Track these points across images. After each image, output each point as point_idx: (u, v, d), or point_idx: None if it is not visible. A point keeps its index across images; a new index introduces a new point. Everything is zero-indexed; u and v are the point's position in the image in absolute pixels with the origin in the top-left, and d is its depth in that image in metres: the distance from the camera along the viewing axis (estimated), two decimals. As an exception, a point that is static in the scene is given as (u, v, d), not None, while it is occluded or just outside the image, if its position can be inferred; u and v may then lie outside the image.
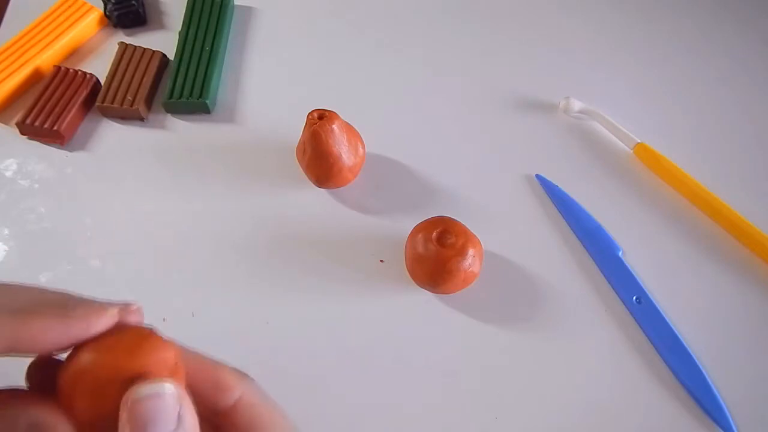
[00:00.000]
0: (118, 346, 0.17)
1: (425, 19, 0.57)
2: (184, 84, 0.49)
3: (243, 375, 0.20)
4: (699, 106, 0.52)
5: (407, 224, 0.42)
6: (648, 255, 0.44)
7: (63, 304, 0.18)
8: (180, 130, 0.49)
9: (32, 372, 0.18)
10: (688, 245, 0.45)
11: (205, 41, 0.52)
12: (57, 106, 0.47)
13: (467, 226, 0.39)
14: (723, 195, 0.45)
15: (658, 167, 0.47)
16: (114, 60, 0.50)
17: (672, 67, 0.54)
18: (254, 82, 0.52)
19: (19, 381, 0.18)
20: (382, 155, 0.48)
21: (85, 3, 0.53)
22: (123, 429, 0.16)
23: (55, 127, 0.46)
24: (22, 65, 0.49)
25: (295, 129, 0.44)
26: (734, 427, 0.37)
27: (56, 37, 0.51)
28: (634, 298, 0.42)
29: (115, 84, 0.49)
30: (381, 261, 0.43)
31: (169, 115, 0.50)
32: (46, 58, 0.50)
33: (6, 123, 0.48)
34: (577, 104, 0.50)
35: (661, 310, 0.41)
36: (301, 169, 0.45)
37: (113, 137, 0.48)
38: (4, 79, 0.48)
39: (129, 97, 0.48)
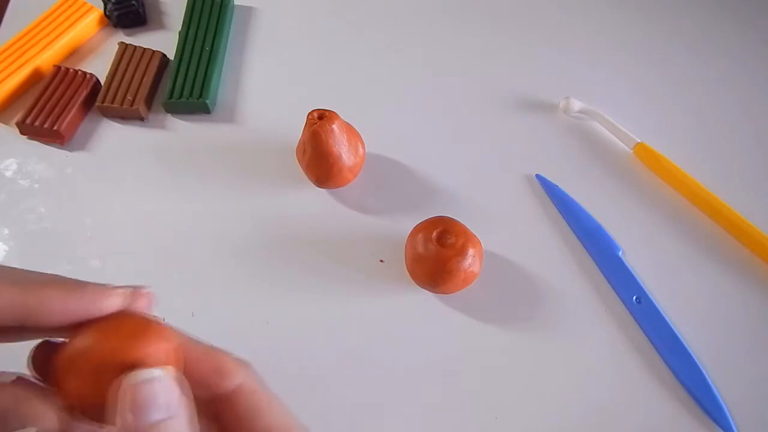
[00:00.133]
0: (118, 332, 0.18)
1: (425, 19, 0.57)
2: (184, 84, 0.49)
3: (243, 362, 0.20)
4: (699, 106, 0.52)
5: (407, 224, 0.42)
6: (648, 255, 0.44)
7: (72, 281, 0.18)
8: (180, 130, 0.49)
9: (35, 356, 0.19)
10: (688, 245, 0.45)
11: (205, 41, 0.52)
12: (57, 106, 0.47)
13: (467, 226, 0.39)
14: (723, 195, 0.45)
15: (658, 167, 0.47)
16: (114, 60, 0.50)
17: (672, 67, 0.54)
18: (254, 82, 0.52)
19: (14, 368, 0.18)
20: (382, 155, 0.48)
21: (85, 3, 0.53)
22: (113, 414, 0.16)
23: (55, 127, 0.46)
24: (22, 65, 0.49)
25: (295, 129, 0.44)
26: (734, 427, 0.37)
27: (56, 37, 0.51)
28: (634, 298, 0.42)
29: (115, 84, 0.49)
30: (381, 261, 0.43)
31: (169, 115, 0.50)
32: (46, 58, 0.50)
33: (6, 123, 0.48)
34: (577, 104, 0.50)
35: (661, 310, 0.41)
36: (301, 169, 0.45)
37: (113, 137, 0.48)
38: (4, 79, 0.48)
39: (129, 97, 0.48)
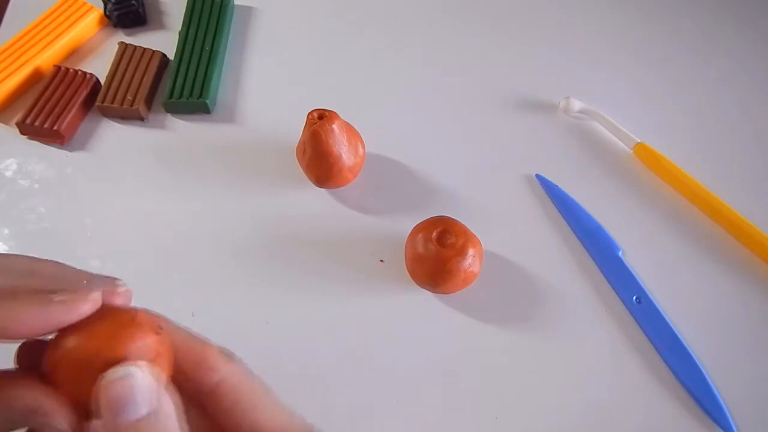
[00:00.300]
0: (98, 331, 0.17)
1: (425, 19, 0.57)
2: (184, 84, 0.49)
3: (229, 354, 0.19)
4: (699, 106, 0.52)
5: (407, 224, 0.42)
6: (648, 255, 0.44)
7: (46, 285, 0.18)
8: (180, 130, 0.49)
9: (22, 353, 0.18)
10: (688, 245, 0.45)
11: (205, 41, 0.52)
12: (57, 106, 0.47)
13: (467, 226, 0.39)
14: (723, 195, 0.45)
15: (658, 167, 0.47)
16: (114, 60, 0.50)
17: (672, 67, 0.54)
18: (254, 82, 0.52)
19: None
20: (382, 155, 0.48)
21: (85, 3, 0.53)
22: (97, 413, 0.16)
23: (55, 127, 0.46)
24: (22, 65, 0.49)
25: (295, 129, 0.44)
26: (734, 427, 0.37)
27: (56, 37, 0.51)
28: (634, 298, 0.42)
29: (115, 84, 0.49)
30: (381, 261, 0.43)
31: (169, 115, 0.50)
32: (46, 58, 0.50)
33: (6, 123, 0.48)
34: (577, 104, 0.50)
35: (661, 310, 0.41)
36: (301, 169, 0.45)
37: (113, 137, 0.48)
38: (4, 79, 0.48)
39: (129, 97, 0.48)
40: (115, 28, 0.55)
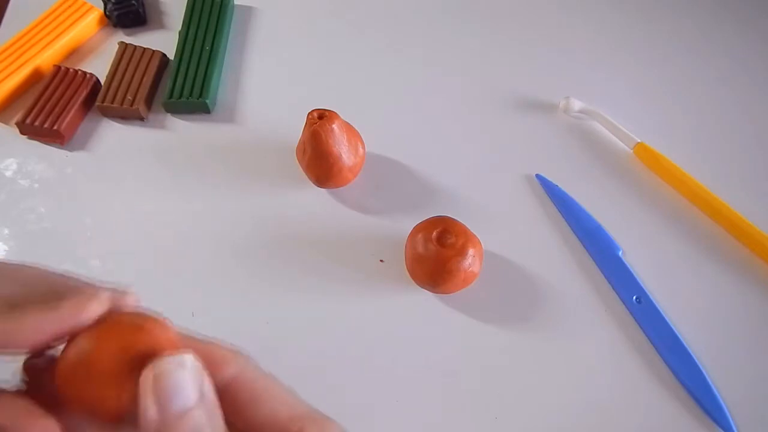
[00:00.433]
0: (120, 329, 0.17)
1: (425, 19, 0.57)
2: (184, 84, 0.49)
3: (237, 352, 0.20)
4: (699, 106, 0.52)
5: (407, 224, 0.42)
6: (648, 255, 0.44)
7: (51, 293, 0.18)
8: (180, 130, 0.49)
9: (28, 366, 0.18)
10: (688, 245, 0.45)
11: (205, 41, 0.52)
12: (57, 106, 0.47)
13: (467, 226, 0.39)
14: (723, 195, 0.45)
15: (658, 167, 0.47)
16: (114, 60, 0.50)
17: (672, 67, 0.54)
18: (254, 82, 0.52)
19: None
20: (382, 155, 0.48)
21: (85, 3, 0.53)
22: (147, 406, 0.16)
23: (55, 127, 0.46)
24: (22, 65, 0.49)
25: (295, 129, 0.44)
26: (734, 427, 0.37)
27: (56, 37, 0.51)
28: (634, 298, 0.42)
29: (115, 84, 0.49)
30: (381, 261, 0.43)
31: (169, 115, 0.50)
32: (46, 58, 0.50)
33: (6, 123, 0.48)
34: (577, 104, 0.50)
35: (661, 310, 0.41)
36: (301, 169, 0.45)
37: (113, 137, 0.48)
38: (4, 79, 0.48)
39: (129, 97, 0.48)
40: (115, 28, 0.55)
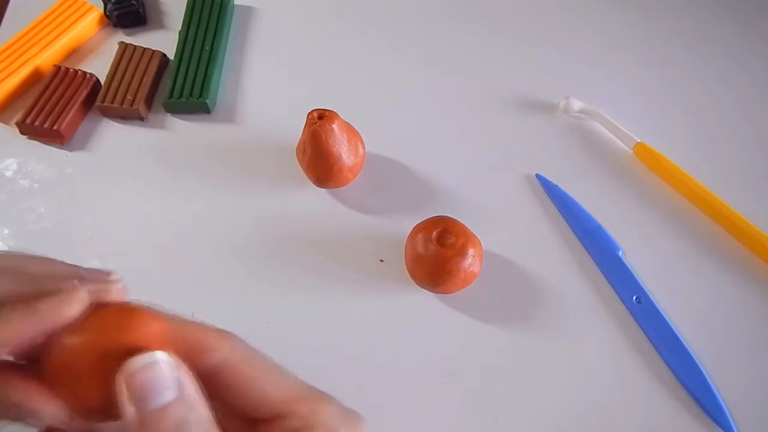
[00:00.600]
0: (101, 326, 0.17)
1: (425, 19, 0.57)
2: (184, 84, 0.49)
3: (226, 333, 0.19)
4: (699, 106, 0.52)
5: (407, 224, 0.42)
6: (648, 255, 0.44)
7: (30, 291, 0.17)
8: (180, 130, 0.49)
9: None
10: (688, 245, 0.45)
11: (205, 41, 0.52)
12: (57, 106, 0.47)
13: (467, 226, 0.39)
14: (723, 195, 0.45)
15: (658, 167, 0.47)
16: (114, 60, 0.50)
17: (672, 67, 0.54)
18: (254, 82, 0.52)
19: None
20: (382, 155, 0.48)
21: (85, 3, 0.53)
22: (124, 405, 0.16)
23: (55, 127, 0.46)
24: (22, 65, 0.49)
25: (295, 129, 0.44)
26: (734, 427, 0.37)
27: (56, 37, 0.51)
28: (634, 298, 0.42)
29: (115, 84, 0.49)
30: (381, 261, 0.43)
31: (169, 115, 0.50)
32: (46, 58, 0.50)
33: (6, 123, 0.48)
34: (577, 104, 0.50)
35: (661, 310, 0.41)
36: (301, 169, 0.45)
37: (113, 137, 0.48)
38: (4, 78, 0.48)
39: (129, 97, 0.48)
40: (115, 28, 0.55)
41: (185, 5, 0.54)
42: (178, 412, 0.16)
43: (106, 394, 0.16)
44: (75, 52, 0.53)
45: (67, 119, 0.46)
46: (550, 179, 0.47)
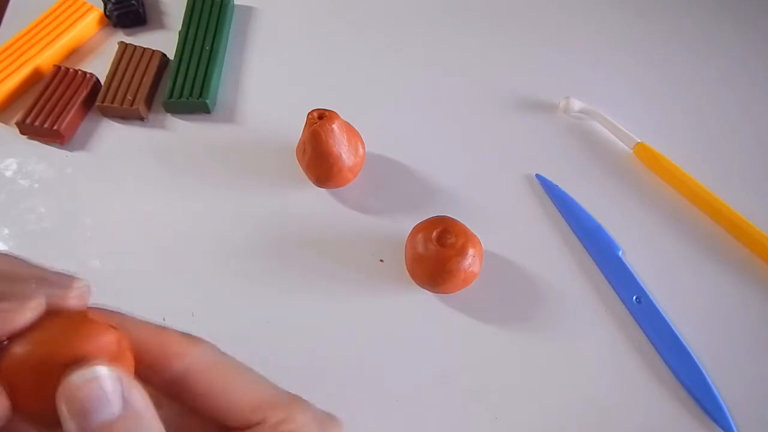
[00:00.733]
0: (49, 336, 0.16)
1: (425, 19, 0.57)
2: (184, 84, 0.49)
3: (195, 339, 0.19)
4: (699, 106, 0.52)
5: (407, 224, 0.42)
6: (648, 255, 0.44)
7: None
8: (180, 130, 0.49)
9: None
10: (688, 245, 0.45)
11: (205, 41, 0.52)
12: (57, 106, 0.47)
13: (467, 226, 0.39)
14: (723, 195, 0.45)
15: (658, 167, 0.47)
16: (114, 60, 0.50)
17: (672, 67, 0.54)
18: (254, 82, 0.52)
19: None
20: (382, 155, 0.48)
21: (85, 3, 0.53)
22: (65, 421, 0.15)
23: (55, 127, 0.46)
24: (22, 65, 0.49)
25: (295, 129, 0.44)
26: (734, 427, 0.37)
27: (56, 37, 0.51)
28: (634, 298, 0.42)
29: (115, 84, 0.49)
30: (381, 261, 0.43)
31: (169, 115, 0.50)
32: (46, 58, 0.50)
33: (6, 123, 0.48)
34: (577, 104, 0.50)
35: (661, 310, 0.41)
36: (301, 169, 0.45)
37: (113, 137, 0.48)
38: (4, 78, 0.48)
39: (129, 97, 0.48)
40: (115, 28, 0.55)
41: (185, 5, 0.54)
42: (123, 428, 0.15)
43: (50, 406, 0.16)
44: (75, 52, 0.53)
45: (67, 119, 0.46)
46: (550, 179, 0.47)
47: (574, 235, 0.45)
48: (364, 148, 0.44)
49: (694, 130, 0.50)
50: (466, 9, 0.57)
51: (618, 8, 0.58)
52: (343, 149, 0.42)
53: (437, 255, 0.37)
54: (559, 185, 0.47)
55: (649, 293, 0.42)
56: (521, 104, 0.51)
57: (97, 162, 0.47)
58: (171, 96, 0.48)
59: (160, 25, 0.55)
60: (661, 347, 0.40)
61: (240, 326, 0.40)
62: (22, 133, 0.47)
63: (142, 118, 0.49)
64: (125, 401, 0.16)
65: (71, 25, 0.52)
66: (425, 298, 0.42)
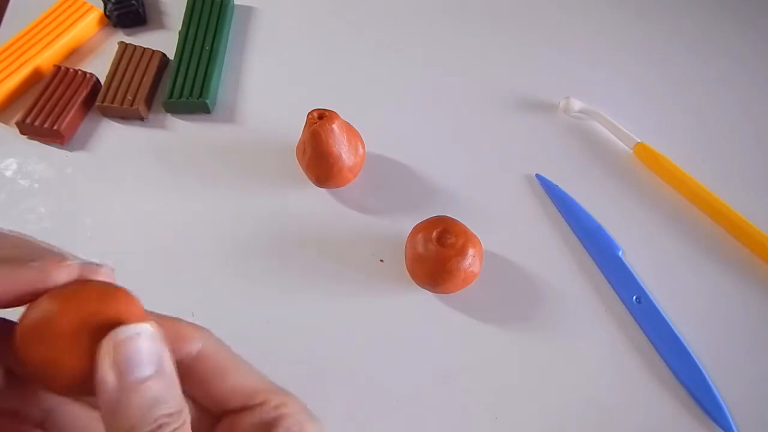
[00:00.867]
0: (85, 296, 0.17)
1: (425, 19, 0.57)
2: (184, 84, 0.49)
3: (200, 326, 0.20)
4: (699, 106, 0.52)
5: (407, 224, 0.42)
6: (648, 255, 0.44)
7: (19, 255, 0.17)
8: (180, 130, 0.49)
9: None
10: (688, 245, 0.45)
11: (205, 41, 0.52)
12: (57, 106, 0.47)
13: (467, 226, 0.39)
14: (723, 195, 0.45)
15: (658, 167, 0.47)
16: (114, 60, 0.50)
17: (672, 67, 0.54)
18: (254, 82, 0.52)
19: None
20: (382, 155, 0.48)
21: (85, 3, 0.53)
22: (105, 374, 0.16)
23: (55, 127, 0.46)
24: (22, 65, 0.49)
25: (295, 129, 0.44)
26: (734, 427, 0.37)
27: (56, 37, 0.51)
28: (634, 298, 0.42)
29: (115, 84, 0.49)
30: (381, 261, 0.43)
31: (169, 115, 0.50)
32: (46, 58, 0.50)
33: (6, 123, 0.48)
34: (577, 104, 0.50)
35: (661, 310, 0.41)
36: (301, 169, 0.45)
37: (113, 137, 0.48)
38: (4, 78, 0.48)
39: (129, 97, 0.48)
40: (115, 28, 0.55)
41: (185, 5, 0.54)
42: (156, 388, 0.16)
43: (81, 362, 0.16)
44: (75, 52, 0.53)
45: (67, 119, 0.46)
46: (550, 179, 0.47)
47: (574, 235, 0.45)
48: (364, 148, 0.44)
49: (694, 130, 0.50)
50: (466, 9, 0.57)
51: (618, 8, 0.58)
52: (343, 149, 0.42)
53: (437, 255, 0.37)
54: (559, 185, 0.47)
55: (649, 293, 0.42)
56: (521, 104, 0.51)
57: (97, 162, 0.47)
58: (171, 96, 0.48)
59: (160, 25, 0.55)
60: (661, 347, 0.40)
61: (240, 326, 0.40)
62: (22, 133, 0.47)
63: (142, 118, 0.49)
64: (159, 363, 0.16)
65: (71, 25, 0.52)
66: (425, 298, 0.42)
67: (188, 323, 0.19)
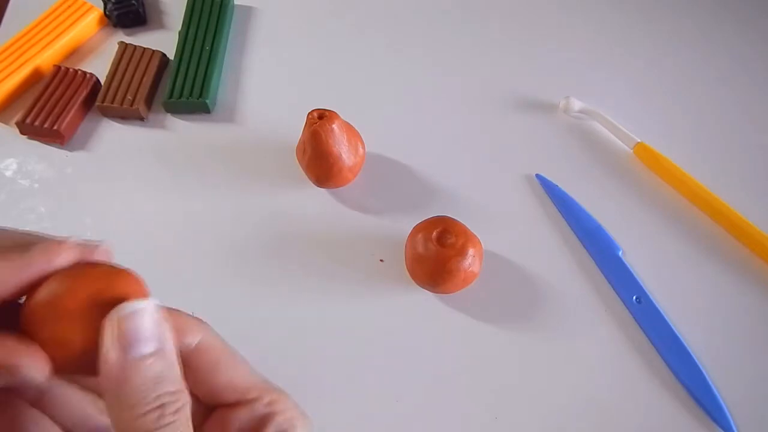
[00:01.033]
0: (94, 275, 0.17)
1: (425, 19, 0.57)
2: (184, 84, 0.49)
3: (200, 320, 0.20)
4: (699, 106, 0.52)
5: (407, 224, 0.42)
6: (648, 255, 0.44)
7: (20, 242, 0.18)
8: (180, 130, 0.49)
9: None
10: (688, 245, 0.45)
11: (205, 41, 0.52)
12: (57, 106, 0.47)
13: (467, 226, 0.39)
14: (723, 195, 0.45)
15: (658, 167, 0.47)
16: (114, 60, 0.50)
17: (672, 67, 0.54)
18: (254, 82, 0.52)
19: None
20: (382, 155, 0.48)
21: (85, 3, 0.53)
22: (108, 349, 0.16)
23: (55, 127, 0.46)
24: (22, 65, 0.49)
25: (295, 129, 0.44)
26: (734, 427, 0.37)
27: (56, 37, 0.51)
28: (634, 298, 0.42)
29: (115, 84, 0.49)
30: (381, 261, 0.43)
31: (169, 114, 0.50)
32: (46, 58, 0.50)
33: (6, 123, 0.48)
34: (577, 104, 0.50)
35: (661, 310, 0.41)
36: (301, 169, 0.45)
37: (113, 137, 0.48)
38: (4, 78, 0.48)
39: (129, 97, 0.48)
40: (115, 28, 0.55)
41: (185, 5, 0.54)
42: (158, 367, 0.16)
43: (85, 338, 0.16)
44: (75, 52, 0.53)
45: (67, 119, 0.46)
46: (550, 179, 0.47)
47: (574, 235, 0.45)
48: (364, 148, 0.44)
49: (694, 130, 0.50)
50: (466, 9, 0.57)
51: (618, 8, 0.58)
52: (343, 149, 0.42)
53: (437, 255, 0.37)
54: (559, 185, 0.47)
55: (649, 293, 0.42)
56: (521, 104, 0.51)
57: (97, 162, 0.47)
58: (171, 96, 0.48)
59: (160, 25, 0.55)
60: (661, 347, 0.40)
61: (240, 326, 0.40)
62: (22, 133, 0.47)
63: (142, 118, 0.49)
64: (161, 341, 0.17)
65: (71, 25, 0.52)
66: (425, 298, 0.42)
67: (188, 316, 0.20)
